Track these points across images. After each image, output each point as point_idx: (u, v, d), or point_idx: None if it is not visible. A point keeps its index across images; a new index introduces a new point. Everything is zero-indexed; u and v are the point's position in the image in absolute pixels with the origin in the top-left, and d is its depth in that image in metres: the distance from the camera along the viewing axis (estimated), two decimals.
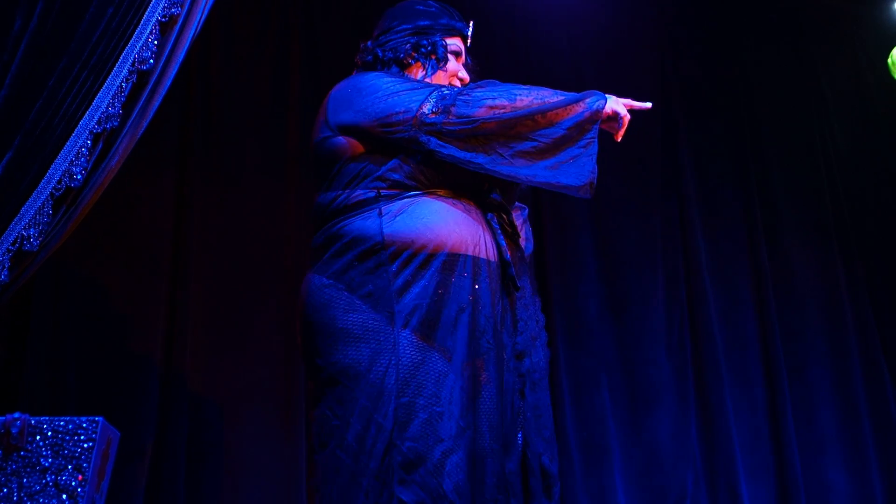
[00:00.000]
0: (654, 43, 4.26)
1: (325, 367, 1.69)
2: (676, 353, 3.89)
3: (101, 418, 1.95)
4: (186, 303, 3.09)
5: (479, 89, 1.78)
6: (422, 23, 1.94)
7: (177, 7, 1.92)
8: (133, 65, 1.88)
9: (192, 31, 2.01)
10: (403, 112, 1.75)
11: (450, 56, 1.97)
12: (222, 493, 3.01)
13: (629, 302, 3.89)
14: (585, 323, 3.81)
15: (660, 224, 4.04)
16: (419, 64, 1.93)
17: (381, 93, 1.78)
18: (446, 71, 1.96)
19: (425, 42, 1.93)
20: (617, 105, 1.81)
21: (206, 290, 3.17)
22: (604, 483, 3.60)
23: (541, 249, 3.82)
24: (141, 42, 1.88)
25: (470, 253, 1.75)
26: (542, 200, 3.86)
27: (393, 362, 1.65)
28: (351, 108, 1.80)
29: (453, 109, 1.73)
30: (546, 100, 1.75)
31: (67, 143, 1.84)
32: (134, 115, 1.92)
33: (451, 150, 1.73)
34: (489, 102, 1.73)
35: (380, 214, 1.72)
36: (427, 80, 1.92)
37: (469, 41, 2.06)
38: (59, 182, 1.84)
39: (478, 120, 1.71)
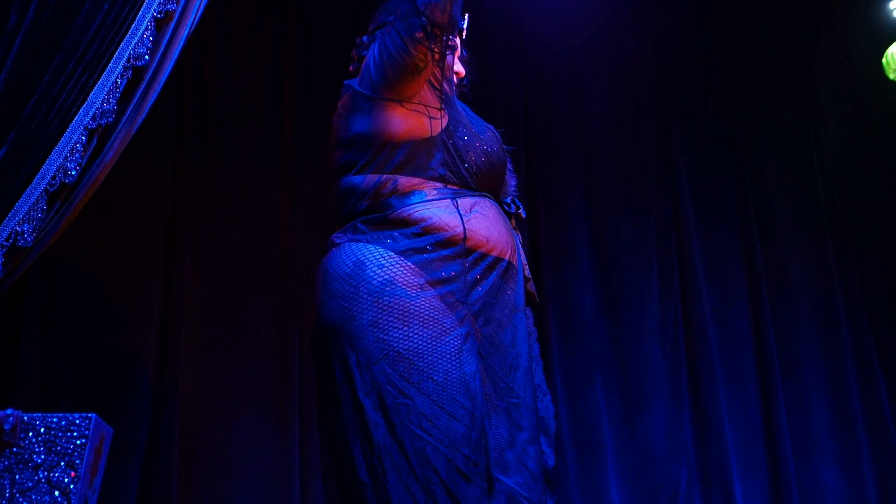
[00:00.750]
0: (649, 42, 4.27)
1: (388, 341, 1.66)
2: (670, 350, 3.90)
3: (94, 415, 1.94)
4: (180, 299, 3.09)
5: None
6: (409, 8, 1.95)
7: (172, 3, 1.92)
8: (128, 61, 1.88)
9: (188, 28, 2.01)
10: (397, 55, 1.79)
11: None
12: (215, 490, 3.01)
13: (623, 300, 3.89)
14: (580, 320, 3.81)
15: (654, 222, 4.05)
16: None
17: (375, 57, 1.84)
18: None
19: None
20: None
21: (201, 286, 3.17)
22: (597, 481, 3.61)
23: (535, 247, 3.83)
24: (136, 38, 1.87)
25: (515, 263, 1.82)
26: (537, 199, 3.87)
27: (467, 352, 1.67)
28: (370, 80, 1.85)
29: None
30: None
31: (62, 139, 1.83)
32: (129, 112, 1.91)
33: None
34: None
35: (457, 207, 1.76)
36: None
37: (464, 34, 2.07)
38: (53, 178, 1.83)
39: None
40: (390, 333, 1.67)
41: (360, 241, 1.76)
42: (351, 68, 2.02)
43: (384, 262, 1.71)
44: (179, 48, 2.00)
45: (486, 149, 1.85)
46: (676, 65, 4.28)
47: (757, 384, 3.95)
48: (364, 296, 1.70)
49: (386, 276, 1.70)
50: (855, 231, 4.35)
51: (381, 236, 1.75)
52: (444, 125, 1.82)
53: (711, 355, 3.88)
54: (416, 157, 1.79)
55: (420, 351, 1.65)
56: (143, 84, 1.92)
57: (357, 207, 1.81)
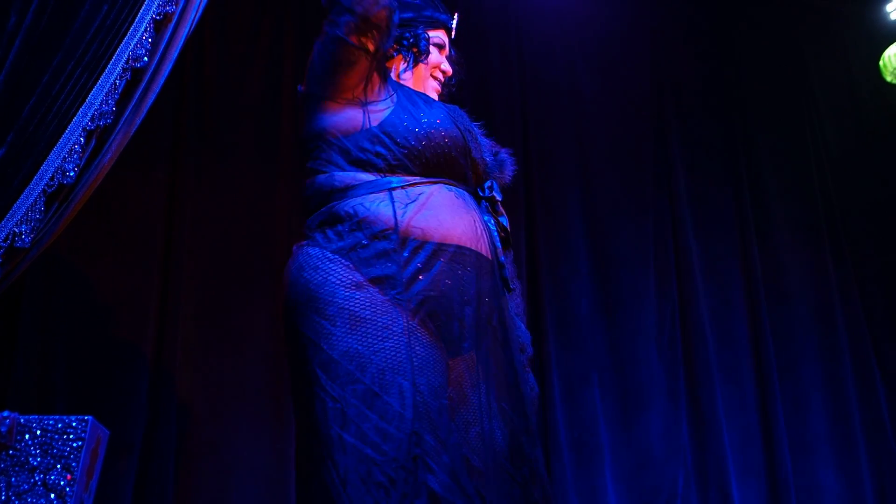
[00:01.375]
0: (647, 43, 4.27)
1: (319, 343, 1.63)
2: (667, 352, 3.90)
3: (90, 417, 1.94)
4: (178, 299, 3.08)
5: None
6: (405, 15, 1.92)
7: (171, 5, 1.91)
8: (127, 62, 1.87)
9: (187, 29, 2.00)
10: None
11: (432, 48, 1.98)
12: (212, 491, 3.00)
13: (621, 301, 3.89)
14: (577, 321, 3.81)
15: (652, 223, 4.05)
16: (401, 56, 1.95)
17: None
18: (427, 63, 1.98)
19: (408, 34, 1.93)
20: None
21: (198, 286, 3.16)
22: (594, 482, 3.60)
23: (533, 247, 3.83)
24: (135, 40, 1.87)
25: (473, 248, 1.75)
26: (535, 199, 3.87)
27: (403, 350, 1.61)
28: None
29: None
30: None
31: (60, 140, 1.82)
32: (127, 113, 1.91)
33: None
34: None
35: (392, 199, 1.71)
36: (408, 72, 1.95)
37: (454, 33, 2.04)
38: (51, 179, 1.83)
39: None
40: (328, 339, 1.62)
41: (304, 244, 1.75)
42: None
43: (319, 263, 1.69)
44: (178, 50, 2.00)
45: (431, 131, 1.77)
46: (675, 66, 4.28)
47: (754, 385, 3.95)
48: (302, 300, 1.68)
49: (320, 278, 1.67)
50: (852, 233, 4.36)
51: (320, 237, 1.73)
52: (378, 114, 1.77)
53: (709, 356, 3.87)
54: (349, 151, 1.76)
55: (351, 353, 1.60)
56: (142, 85, 1.91)
57: (308, 210, 1.80)
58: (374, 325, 1.62)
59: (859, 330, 4.15)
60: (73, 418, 1.92)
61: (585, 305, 3.85)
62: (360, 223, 1.69)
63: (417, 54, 1.95)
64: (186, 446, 2.99)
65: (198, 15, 1.99)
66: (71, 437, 1.91)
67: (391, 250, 1.67)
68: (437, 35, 1.99)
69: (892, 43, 3.92)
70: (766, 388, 3.92)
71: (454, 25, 2.03)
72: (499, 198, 1.89)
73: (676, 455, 3.73)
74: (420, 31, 1.96)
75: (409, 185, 1.74)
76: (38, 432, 1.90)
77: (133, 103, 1.90)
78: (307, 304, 1.67)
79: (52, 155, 1.81)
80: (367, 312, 1.63)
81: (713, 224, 4.13)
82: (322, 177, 1.77)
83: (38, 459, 1.88)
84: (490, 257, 1.79)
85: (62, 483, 1.88)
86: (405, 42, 1.94)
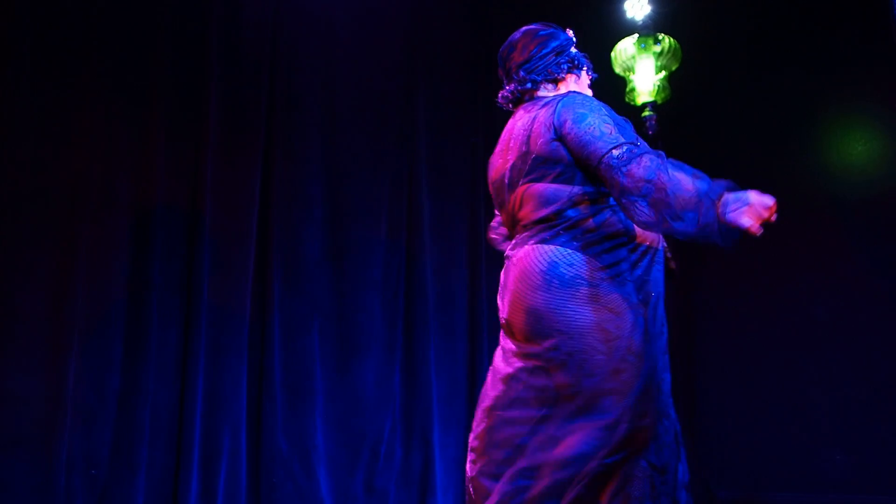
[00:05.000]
0: (402, 13, 4.24)
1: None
2: (391, 303, 3.98)
3: None
4: None
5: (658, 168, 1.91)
6: (554, 43, 2.28)
7: None
8: None
9: None
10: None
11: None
12: None
13: (350, 250, 3.90)
14: (305, 267, 3.77)
15: (390, 177, 4.08)
16: (570, 75, 2.29)
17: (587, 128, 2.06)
18: (589, 74, 2.35)
19: (567, 57, 2.27)
20: (744, 217, 1.82)
21: None
22: (305, 426, 3.63)
23: (267, 189, 3.70)
24: None
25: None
26: (275, 141, 3.73)
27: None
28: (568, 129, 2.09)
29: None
30: (700, 206, 1.85)
31: None
32: None
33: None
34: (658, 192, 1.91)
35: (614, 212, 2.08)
36: (576, 84, 2.29)
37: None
38: None
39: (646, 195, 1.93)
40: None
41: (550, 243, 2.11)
42: (502, 99, 2.30)
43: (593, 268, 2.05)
44: None
45: None
46: (429, 30, 4.28)
47: (466, 341, 4.15)
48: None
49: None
50: None
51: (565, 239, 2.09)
52: None
53: (428, 311, 4.01)
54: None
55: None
56: None
57: (550, 207, 2.11)
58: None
59: None
60: None
61: (315, 251, 3.80)
62: (611, 234, 2.09)
63: (580, 69, 2.30)
64: None
65: None
66: None
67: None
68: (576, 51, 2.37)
69: (622, 38, 4.24)
70: (476, 344, 4.15)
71: (574, 39, 2.36)
72: None
73: (386, 402, 3.85)
74: (573, 52, 2.29)
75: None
76: None
77: None
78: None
79: None
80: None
81: (446, 184, 4.24)
82: (578, 190, 2.11)
83: None
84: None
85: None
86: (569, 64, 2.26)
